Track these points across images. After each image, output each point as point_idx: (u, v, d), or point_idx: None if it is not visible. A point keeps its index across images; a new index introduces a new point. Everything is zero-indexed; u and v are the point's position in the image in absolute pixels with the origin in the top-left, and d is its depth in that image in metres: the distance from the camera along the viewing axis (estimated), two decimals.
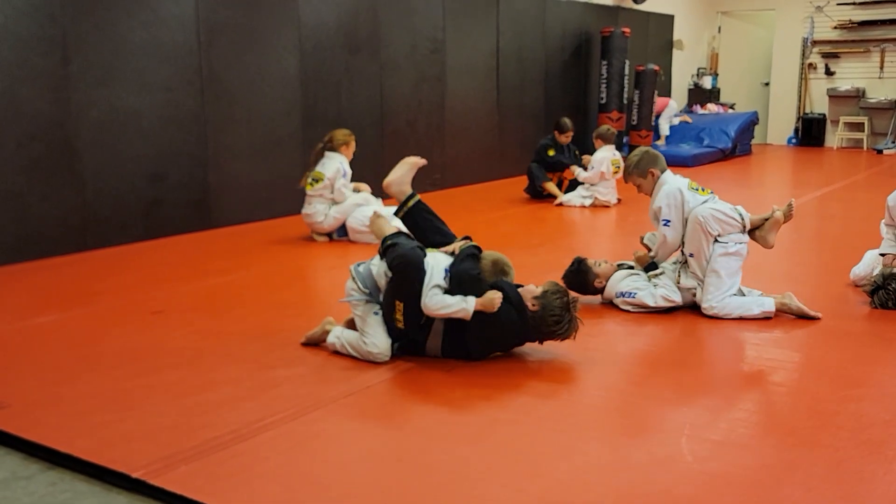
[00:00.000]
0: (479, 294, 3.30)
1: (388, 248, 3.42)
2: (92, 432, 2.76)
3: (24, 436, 2.74)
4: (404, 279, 3.33)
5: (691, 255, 4.13)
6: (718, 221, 4.06)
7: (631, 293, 4.18)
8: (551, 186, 7.99)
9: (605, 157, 7.78)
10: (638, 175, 4.31)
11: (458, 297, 3.29)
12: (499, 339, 3.45)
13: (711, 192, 4.24)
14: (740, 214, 4.13)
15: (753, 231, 4.19)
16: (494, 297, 3.28)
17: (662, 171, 4.29)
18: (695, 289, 4.14)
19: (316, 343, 3.64)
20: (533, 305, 3.39)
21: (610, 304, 4.31)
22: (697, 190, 4.21)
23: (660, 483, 2.42)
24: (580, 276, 4.27)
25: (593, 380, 3.29)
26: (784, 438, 2.72)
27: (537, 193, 8.13)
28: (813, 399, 3.09)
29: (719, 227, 4.06)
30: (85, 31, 5.62)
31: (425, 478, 2.48)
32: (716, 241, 4.08)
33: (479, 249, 3.51)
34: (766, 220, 4.19)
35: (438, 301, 3.28)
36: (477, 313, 3.28)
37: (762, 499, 2.33)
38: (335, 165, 5.92)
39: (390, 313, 3.40)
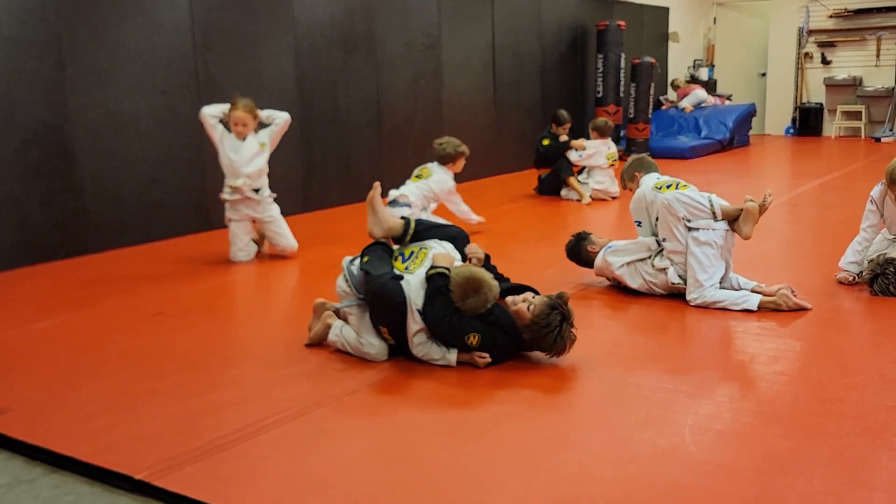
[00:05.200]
0: (459, 334, 3.29)
1: (365, 276, 3.39)
2: (95, 435, 2.76)
3: (26, 440, 2.74)
4: (381, 313, 3.35)
5: (664, 240, 4.24)
6: (683, 205, 4.16)
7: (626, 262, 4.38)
8: (575, 182, 7.78)
9: (600, 150, 7.82)
10: (629, 180, 4.70)
11: (443, 351, 3.34)
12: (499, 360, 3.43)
13: (677, 187, 4.32)
14: (710, 201, 4.19)
15: (734, 222, 4.21)
16: (477, 360, 3.31)
17: (647, 172, 4.58)
18: (667, 269, 4.22)
19: (319, 342, 3.63)
20: (524, 333, 3.33)
21: (610, 291, 4.44)
22: (660, 188, 4.34)
23: (665, 475, 2.42)
24: (578, 244, 4.60)
25: (595, 373, 3.28)
26: (787, 427, 2.72)
27: (553, 190, 7.93)
28: (815, 387, 3.10)
29: (685, 210, 4.15)
30: (80, 35, 5.61)
31: (429, 474, 2.48)
32: (689, 229, 4.15)
33: (446, 277, 3.31)
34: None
35: (422, 351, 3.36)
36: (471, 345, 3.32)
37: (767, 488, 2.33)
38: None
39: (378, 331, 3.42)
